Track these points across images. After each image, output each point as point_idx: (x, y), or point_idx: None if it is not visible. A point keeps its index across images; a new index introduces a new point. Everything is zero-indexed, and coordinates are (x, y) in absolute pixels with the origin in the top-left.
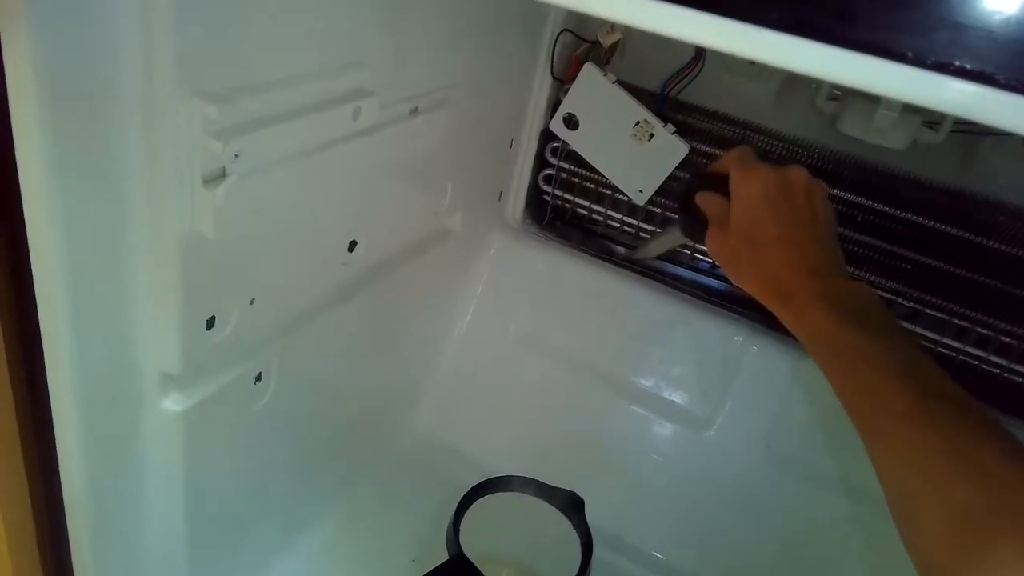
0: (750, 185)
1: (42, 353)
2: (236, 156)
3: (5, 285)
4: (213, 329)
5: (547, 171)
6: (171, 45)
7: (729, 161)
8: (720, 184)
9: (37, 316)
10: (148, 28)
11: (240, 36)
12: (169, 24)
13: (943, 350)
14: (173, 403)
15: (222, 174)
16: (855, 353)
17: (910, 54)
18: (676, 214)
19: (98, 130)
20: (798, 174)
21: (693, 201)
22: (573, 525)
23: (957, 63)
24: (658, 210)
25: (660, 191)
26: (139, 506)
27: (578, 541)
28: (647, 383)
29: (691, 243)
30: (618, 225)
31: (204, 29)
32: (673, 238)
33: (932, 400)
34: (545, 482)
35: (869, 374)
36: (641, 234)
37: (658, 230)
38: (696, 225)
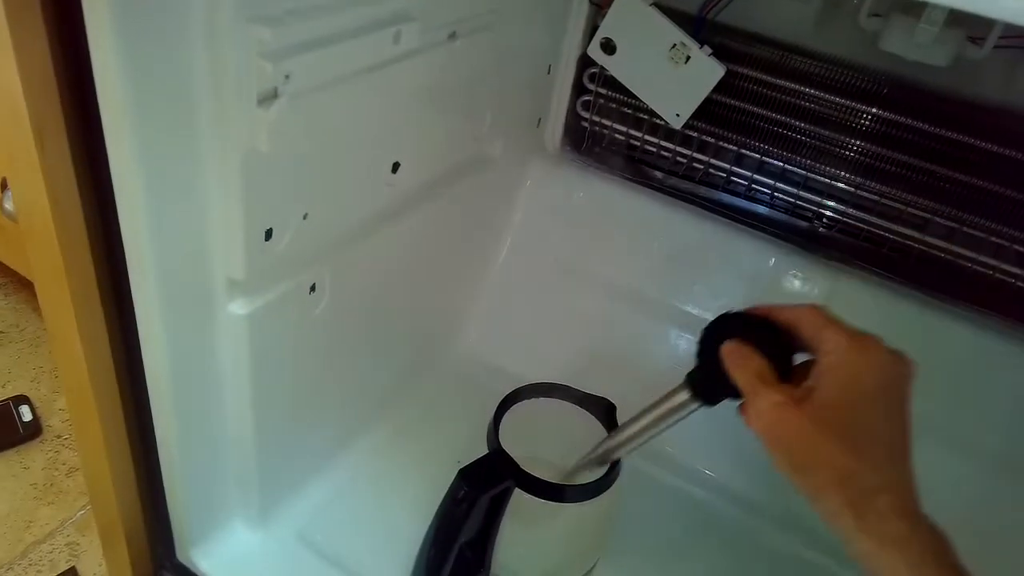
0: (863, 364)
1: (124, 261)
2: (287, 78)
3: (89, 199)
4: (271, 240)
5: (585, 97)
6: None
7: (811, 316)
8: (768, 336)
9: (119, 228)
10: None
11: None
12: None
13: (979, 268)
14: (239, 307)
15: (275, 94)
16: None
17: None
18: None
19: (168, 53)
20: (911, 366)
21: (720, 349)
22: (605, 429)
23: None
24: (695, 134)
25: (696, 115)
26: (214, 397)
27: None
28: (682, 304)
29: (694, 409)
30: (655, 150)
31: None
32: (672, 407)
33: None
34: (580, 389)
35: None
36: (678, 158)
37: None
38: (718, 382)
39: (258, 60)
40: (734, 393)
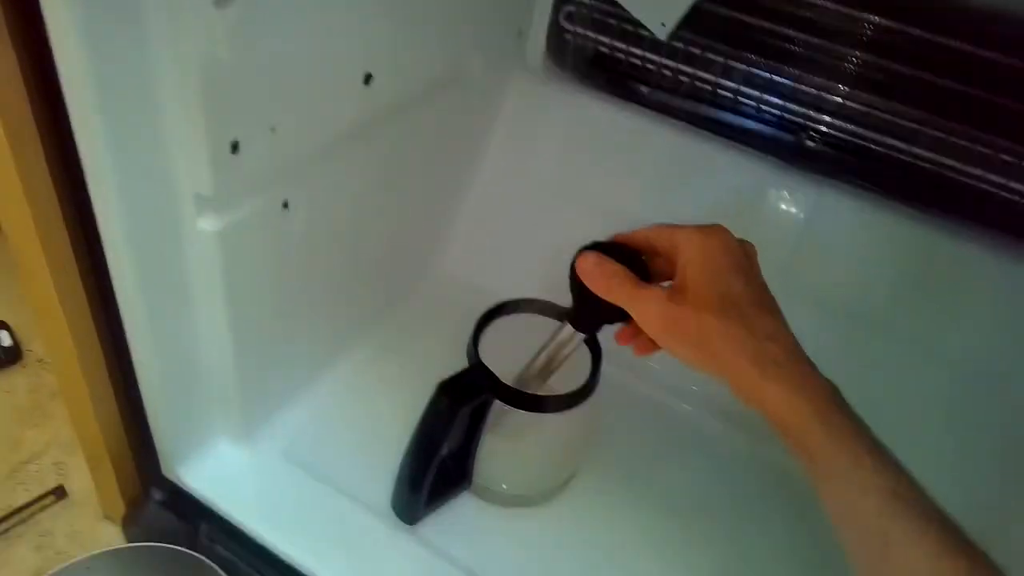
0: (715, 245)
1: (85, 182)
2: None
3: (42, 116)
4: (238, 154)
5: (568, 8)
6: None
7: (660, 228)
8: (623, 251)
9: (76, 146)
10: None
11: None
12: None
13: (965, 178)
14: (208, 224)
15: None
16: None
17: None
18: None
19: None
20: (754, 247)
21: (575, 266)
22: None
23: None
24: (681, 45)
25: (683, 24)
26: (189, 318)
27: (589, 355)
28: (666, 219)
29: (580, 341)
30: (640, 63)
31: None
32: (563, 341)
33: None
34: (559, 305)
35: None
36: (664, 71)
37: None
38: (593, 311)
39: None
40: (609, 318)
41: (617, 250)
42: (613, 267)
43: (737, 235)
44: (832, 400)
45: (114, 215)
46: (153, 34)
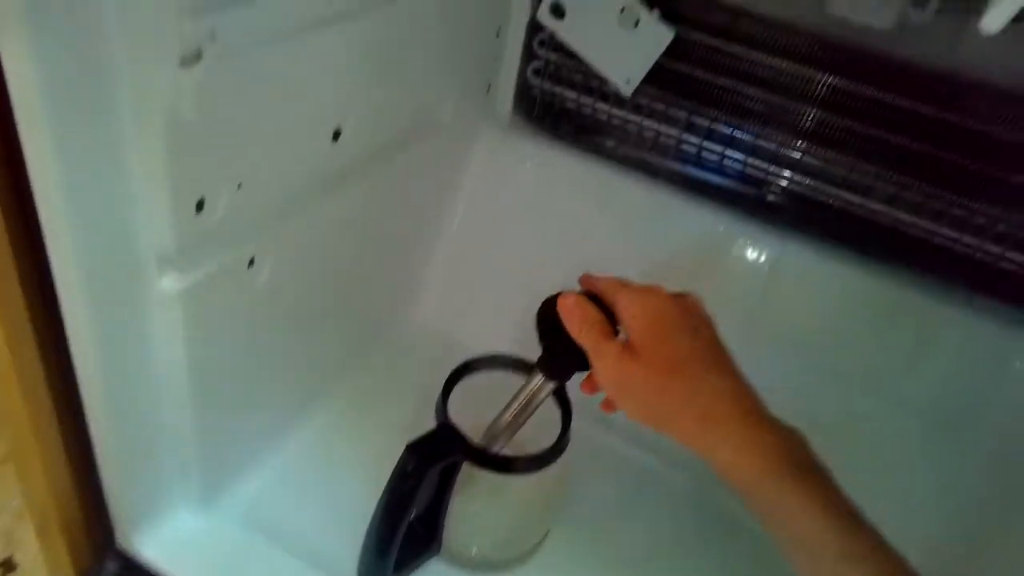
0: (651, 306)
1: (41, 236)
2: (212, 37)
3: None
4: (203, 212)
5: (535, 63)
6: None
7: (609, 283)
8: (603, 308)
9: (35, 203)
10: None
11: None
12: None
13: (919, 232)
14: (170, 283)
15: (199, 55)
16: (814, 503)
17: None
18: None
19: (78, 9)
20: (695, 298)
21: (560, 326)
22: (555, 398)
23: None
24: (646, 100)
25: (647, 80)
26: (148, 382)
27: (559, 411)
28: (633, 272)
29: (552, 389)
30: (606, 118)
31: None
32: (534, 391)
33: None
34: (529, 360)
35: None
36: (629, 126)
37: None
38: (564, 356)
39: (178, 16)
40: (578, 364)
41: (595, 299)
42: (591, 311)
43: (703, 284)
44: (787, 457)
45: (71, 271)
46: (117, 94)
